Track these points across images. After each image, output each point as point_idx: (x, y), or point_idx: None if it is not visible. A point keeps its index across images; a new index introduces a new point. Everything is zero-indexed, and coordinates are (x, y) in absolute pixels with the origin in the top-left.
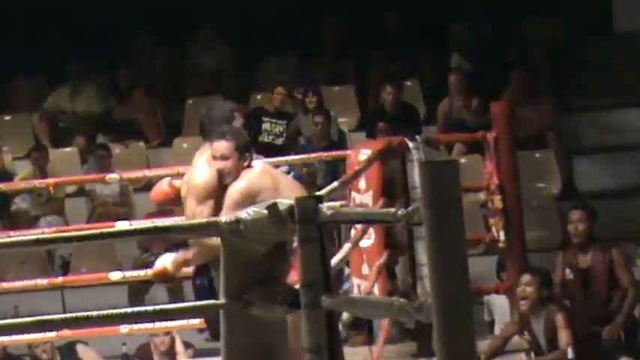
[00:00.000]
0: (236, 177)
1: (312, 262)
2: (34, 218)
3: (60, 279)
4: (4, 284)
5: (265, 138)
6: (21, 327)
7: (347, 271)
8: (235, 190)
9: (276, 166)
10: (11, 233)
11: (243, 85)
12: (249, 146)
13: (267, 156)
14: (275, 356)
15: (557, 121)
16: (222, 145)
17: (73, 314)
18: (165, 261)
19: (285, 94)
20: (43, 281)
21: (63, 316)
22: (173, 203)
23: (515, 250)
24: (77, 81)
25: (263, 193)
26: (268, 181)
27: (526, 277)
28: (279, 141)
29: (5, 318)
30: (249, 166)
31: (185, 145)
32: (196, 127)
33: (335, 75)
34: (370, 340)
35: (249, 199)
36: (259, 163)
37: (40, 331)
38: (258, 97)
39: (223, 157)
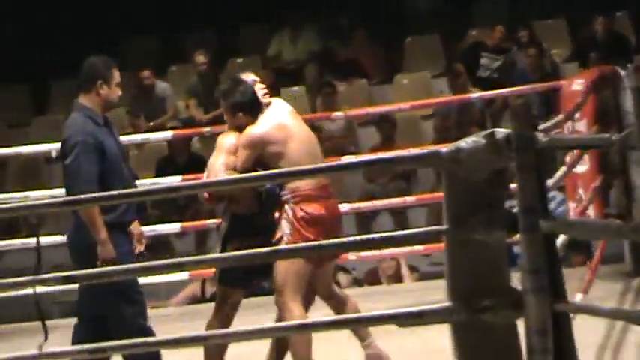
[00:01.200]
0: (235, 129)
1: (529, 188)
2: None
3: None
4: None
5: (482, 72)
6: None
7: (559, 196)
8: (248, 135)
9: None
10: None
11: (458, 23)
12: (243, 106)
13: (484, 89)
14: (498, 275)
15: None
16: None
17: (307, 244)
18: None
19: (503, 32)
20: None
21: (301, 245)
22: None
23: None
24: (296, 25)
25: (273, 146)
26: (280, 135)
27: None
28: (496, 74)
29: None
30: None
31: (405, 81)
32: (416, 63)
33: (546, 9)
34: (588, 260)
35: (257, 147)
36: (280, 114)
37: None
38: (473, 33)
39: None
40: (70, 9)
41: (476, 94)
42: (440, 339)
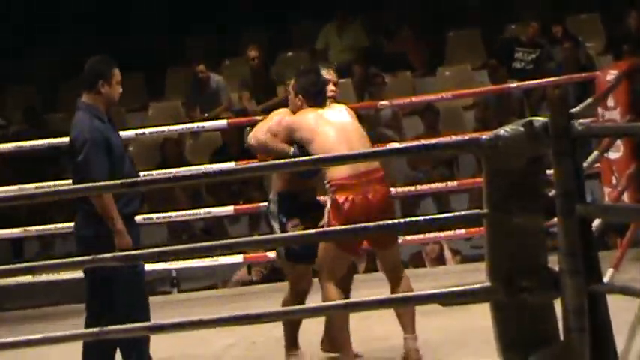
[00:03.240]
0: (292, 107)
1: (566, 174)
2: None
3: None
4: None
5: (517, 65)
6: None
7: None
8: (285, 119)
9: None
10: None
11: (497, 18)
12: (306, 92)
13: (520, 80)
14: (535, 257)
15: None
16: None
17: (354, 225)
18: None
19: (538, 27)
20: None
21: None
22: None
23: None
24: (343, 18)
25: (299, 132)
26: (311, 123)
27: None
28: (530, 67)
29: None
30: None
31: (447, 73)
32: (457, 56)
33: (584, 3)
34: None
35: (288, 130)
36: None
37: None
38: (512, 26)
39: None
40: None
41: (514, 84)
42: (482, 318)
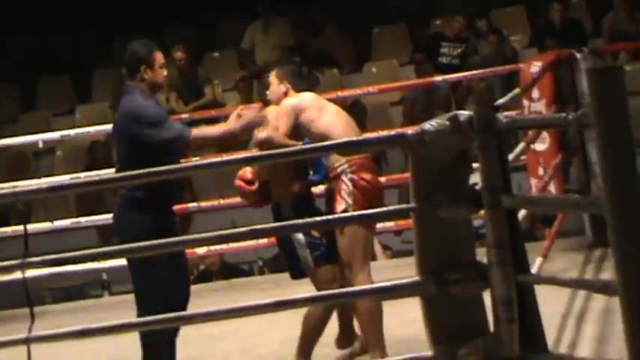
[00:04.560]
0: (273, 97)
1: (491, 167)
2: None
3: None
4: (222, 201)
5: (444, 59)
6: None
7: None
8: (283, 104)
9: None
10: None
11: (423, 13)
12: (293, 76)
13: (445, 75)
14: (464, 250)
15: None
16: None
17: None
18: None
19: (463, 22)
20: None
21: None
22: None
23: None
24: (268, 16)
25: (308, 111)
26: (315, 102)
27: None
28: (456, 61)
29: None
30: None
31: (374, 70)
32: (384, 52)
33: None
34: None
35: (292, 114)
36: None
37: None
38: (438, 22)
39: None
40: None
41: (439, 78)
42: (412, 312)
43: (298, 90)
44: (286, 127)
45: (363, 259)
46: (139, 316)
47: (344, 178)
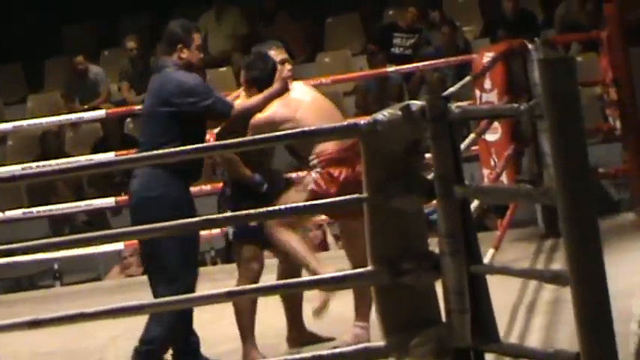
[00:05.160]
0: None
1: (444, 157)
2: None
3: None
4: None
5: (396, 50)
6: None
7: None
8: (255, 121)
9: None
10: None
11: (375, 3)
12: (258, 81)
13: (398, 65)
14: (416, 240)
15: None
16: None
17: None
18: None
19: (416, 13)
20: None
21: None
22: None
23: (632, 137)
24: (221, 6)
25: (282, 124)
26: (287, 110)
27: None
28: (409, 52)
29: None
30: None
31: (327, 59)
32: (337, 42)
33: None
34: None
35: (265, 130)
36: (296, 89)
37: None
38: (391, 12)
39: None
40: None
41: (392, 68)
42: None
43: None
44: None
45: (289, 224)
46: (163, 294)
47: (313, 174)
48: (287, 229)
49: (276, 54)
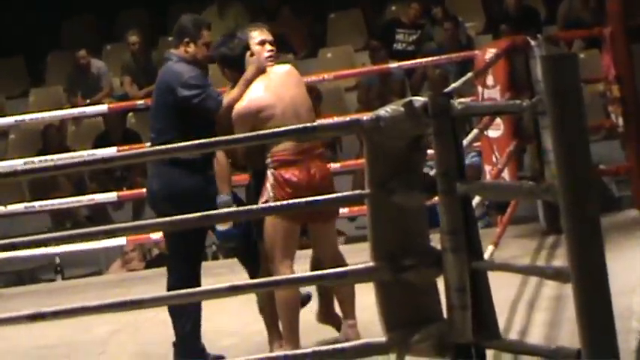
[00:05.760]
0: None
1: (446, 153)
2: None
3: None
4: None
5: (399, 46)
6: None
7: (473, 152)
8: (235, 112)
9: None
10: None
11: None
12: (228, 60)
13: (400, 61)
14: (418, 236)
15: None
16: None
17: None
18: None
19: (418, 9)
20: None
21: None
22: None
23: (634, 134)
24: (224, 1)
25: (262, 112)
26: (267, 98)
27: None
28: (411, 47)
29: None
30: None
31: (329, 55)
32: (339, 38)
33: None
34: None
35: (248, 120)
36: (266, 79)
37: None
38: (393, 8)
39: None
40: None
41: (394, 64)
42: (366, 298)
43: (239, 72)
44: (248, 129)
45: (283, 250)
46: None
47: (268, 172)
48: (284, 258)
49: (258, 35)
